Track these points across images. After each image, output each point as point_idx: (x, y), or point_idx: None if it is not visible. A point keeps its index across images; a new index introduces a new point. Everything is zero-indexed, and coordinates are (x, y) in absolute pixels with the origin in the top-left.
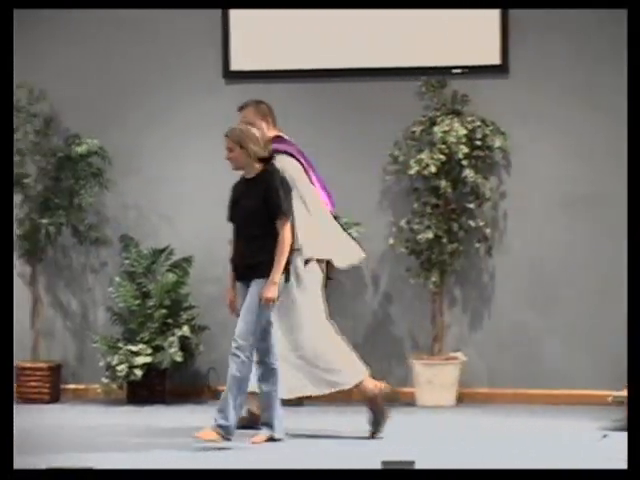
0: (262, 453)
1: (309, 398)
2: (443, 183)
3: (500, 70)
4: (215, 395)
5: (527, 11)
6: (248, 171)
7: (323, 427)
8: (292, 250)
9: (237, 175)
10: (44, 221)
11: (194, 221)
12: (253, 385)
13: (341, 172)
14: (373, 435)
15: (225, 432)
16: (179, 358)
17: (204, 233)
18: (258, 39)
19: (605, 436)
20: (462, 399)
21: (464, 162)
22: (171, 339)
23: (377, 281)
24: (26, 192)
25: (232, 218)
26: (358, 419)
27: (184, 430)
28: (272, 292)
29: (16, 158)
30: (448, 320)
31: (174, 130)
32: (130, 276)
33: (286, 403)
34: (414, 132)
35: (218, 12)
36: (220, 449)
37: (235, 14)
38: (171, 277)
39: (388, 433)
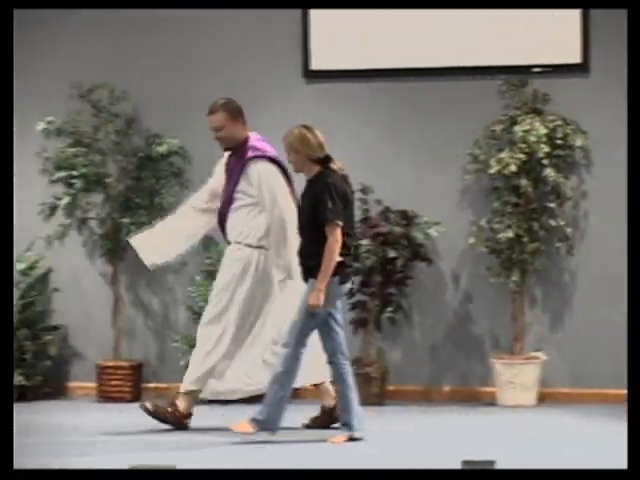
0: (344, 452)
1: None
2: (524, 182)
3: (581, 69)
4: (295, 395)
5: (608, 10)
6: (306, 173)
7: (405, 427)
8: (343, 254)
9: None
10: (125, 221)
11: None
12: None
13: (421, 171)
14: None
15: (259, 425)
16: None
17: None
18: (338, 38)
19: None
20: (543, 399)
21: (545, 161)
22: None
23: (457, 280)
24: (107, 192)
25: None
26: (440, 419)
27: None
28: (316, 299)
29: (97, 158)
30: (529, 319)
31: (254, 130)
32: (210, 275)
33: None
34: (494, 131)
35: (298, 11)
36: (307, 448)
37: (315, 14)
38: None
39: (469, 433)
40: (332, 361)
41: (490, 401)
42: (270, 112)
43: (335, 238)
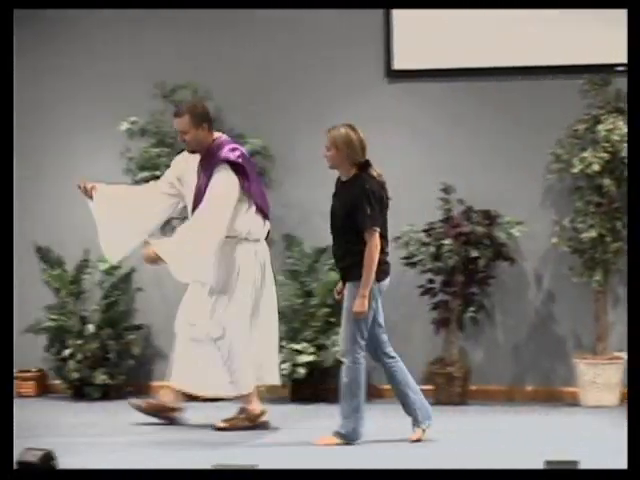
0: (426, 452)
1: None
2: (607, 181)
3: None
4: (378, 393)
5: None
6: (342, 173)
7: (487, 426)
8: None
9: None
10: None
11: None
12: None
13: (504, 171)
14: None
15: (342, 438)
16: None
17: None
18: (420, 38)
19: None
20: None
21: None
22: (334, 338)
23: (540, 280)
24: None
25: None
26: (522, 418)
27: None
28: (361, 306)
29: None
30: (612, 319)
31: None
32: (293, 275)
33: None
34: (577, 130)
35: (380, 11)
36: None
37: (398, 13)
38: (333, 276)
39: (551, 433)
40: (378, 361)
41: (572, 401)
42: (352, 112)
43: (375, 244)
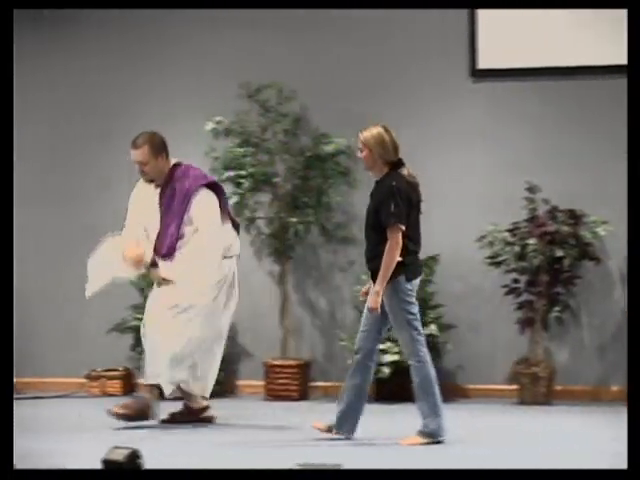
0: (506, 452)
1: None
2: None
3: None
4: (463, 393)
5: None
6: (375, 173)
7: (573, 426)
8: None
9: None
10: (293, 220)
11: (440, 219)
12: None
13: (589, 170)
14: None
15: (425, 437)
16: None
17: (450, 231)
18: (505, 37)
19: None
20: None
21: None
22: None
23: (625, 279)
24: (275, 191)
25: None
26: (607, 418)
27: None
28: (374, 302)
29: (265, 157)
30: None
31: (422, 129)
32: None
33: None
34: None
35: (465, 11)
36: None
37: (482, 13)
38: None
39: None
40: (357, 354)
41: None
42: (437, 111)
43: (395, 240)
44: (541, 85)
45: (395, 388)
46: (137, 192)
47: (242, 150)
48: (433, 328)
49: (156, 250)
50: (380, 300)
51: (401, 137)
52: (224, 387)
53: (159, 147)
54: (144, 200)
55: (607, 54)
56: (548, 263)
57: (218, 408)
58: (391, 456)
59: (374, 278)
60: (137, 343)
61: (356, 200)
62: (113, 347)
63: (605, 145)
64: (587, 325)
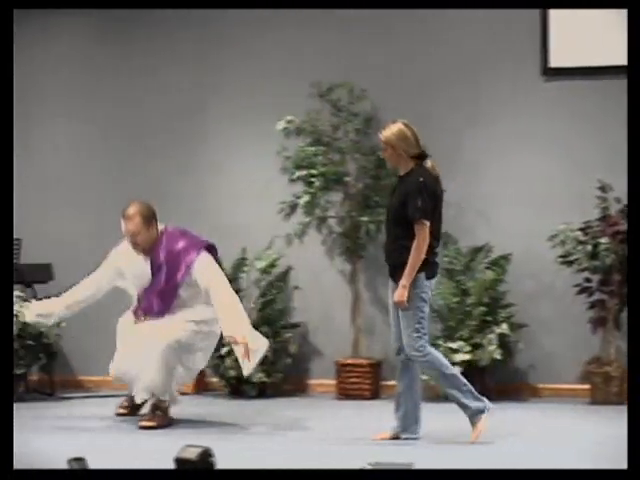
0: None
1: None
2: None
3: None
4: (535, 393)
5: None
6: (402, 169)
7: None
8: (430, 250)
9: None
10: (364, 219)
11: (512, 218)
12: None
13: None
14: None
15: (476, 417)
16: (498, 356)
17: (522, 230)
18: (577, 36)
19: None
20: None
21: None
22: (490, 337)
23: None
24: (347, 190)
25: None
26: None
27: (503, 427)
28: (400, 296)
29: (337, 157)
30: None
31: (493, 127)
32: (449, 273)
33: None
34: None
35: (536, 10)
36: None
37: (554, 12)
38: (490, 274)
39: None
40: (398, 355)
41: None
42: (509, 110)
43: (423, 236)
44: (612, 83)
45: None
46: (120, 256)
47: (313, 149)
48: (504, 327)
49: (144, 309)
50: (407, 294)
51: (473, 136)
52: (296, 386)
53: (150, 216)
54: (126, 265)
55: None
56: (620, 262)
57: (289, 407)
58: (462, 455)
59: (392, 273)
60: None
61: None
62: None
63: None
64: None
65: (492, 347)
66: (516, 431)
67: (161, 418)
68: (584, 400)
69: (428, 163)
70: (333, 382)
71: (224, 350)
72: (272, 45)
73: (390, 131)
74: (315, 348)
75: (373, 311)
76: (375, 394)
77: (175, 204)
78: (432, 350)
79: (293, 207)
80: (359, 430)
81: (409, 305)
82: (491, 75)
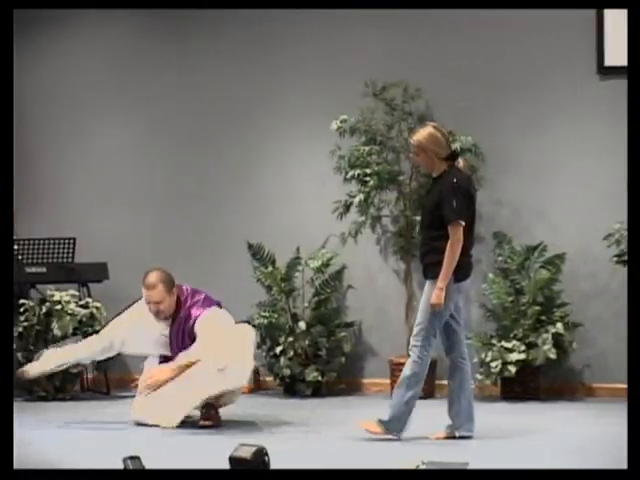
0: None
1: None
2: None
3: None
4: (590, 393)
5: None
6: (435, 171)
7: None
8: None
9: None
10: (418, 218)
11: (568, 217)
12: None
13: None
14: None
15: (383, 426)
16: (553, 355)
17: (577, 229)
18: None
19: None
20: None
21: None
22: (545, 336)
23: None
24: (401, 189)
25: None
26: None
27: (554, 426)
28: (437, 298)
29: (390, 156)
30: None
31: (549, 126)
32: (503, 273)
33: None
34: None
35: (592, 10)
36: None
37: (609, 10)
38: (544, 274)
39: None
40: (448, 356)
41: None
42: (565, 109)
43: (457, 237)
44: None
45: (520, 387)
46: (133, 325)
47: (367, 148)
48: (559, 327)
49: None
50: (443, 296)
51: (528, 135)
52: (350, 385)
53: (171, 282)
54: (135, 332)
55: None
56: None
57: (343, 406)
58: (517, 454)
59: (426, 273)
60: (263, 341)
61: (482, 198)
62: None
63: None
64: None
65: (547, 346)
66: (570, 430)
67: (216, 417)
68: None
69: (460, 163)
70: (387, 381)
71: (278, 349)
72: (326, 45)
73: (421, 135)
74: (369, 347)
75: None
76: (430, 393)
77: (232, 204)
78: (427, 361)
79: (347, 206)
80: (414, 429)
81: (427, 307)
82: (547, 74)
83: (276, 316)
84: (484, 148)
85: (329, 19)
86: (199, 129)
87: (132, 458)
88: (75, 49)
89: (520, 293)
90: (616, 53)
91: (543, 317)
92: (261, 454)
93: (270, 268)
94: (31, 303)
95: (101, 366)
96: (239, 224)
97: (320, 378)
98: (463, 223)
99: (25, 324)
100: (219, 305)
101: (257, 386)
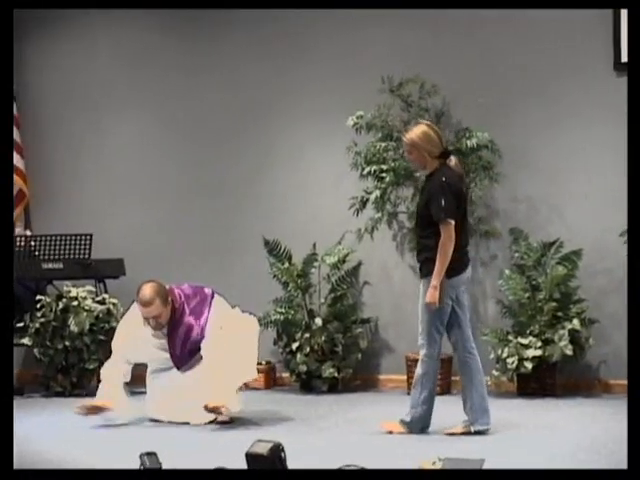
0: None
1: None
2: None
3: None
4: (606, 389)
5: None
6: (428, 169)
7: None
8: (458, 249)
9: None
10: None
11: (584, 214)
12: None
13: None
14: None
15: (407, 426)
16: (569, 351)
17: (594, 226)
18: None
19: None
20: None
21: None
22: (561, 332)
23: None
24: (417, 185)
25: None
26: None
27: (570, 422)
28: (431, 296)
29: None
30: None
31: (567, 123)
32: (520, 269)
33: None
34: None
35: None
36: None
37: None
38: (561, 270)
39: None
40: (456, 351)
41: None
42: (581, 105)
43: (448, 235)
44: None
45: (537, 383)
46: (132, 341)
47: (384, 144)
48: (575, 323)
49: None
50: (437, 294)
51: (545, 131)
52: (366, 381)
53: (165, 294)
54: (137, 346)
55: None
56: None
57: (359, 402)
58: (532, 451)
59: (421, 271)
60: (279, 337)
61: (498, 194)
62: None
63: None
64: None
65: (563, 343)
66: (586, 427)
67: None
68: None
69: (452, 161)
70: (404, 377)
71: (295, 346)
72: (343, 41)
73: (414, 133)
74: (385, 343)
75: None
76: (446, 389)
77: (248, 201)
78: (436, 356)
79: (364, 202)
80: (430, 425)
81: (425, 305)
82: (564, 70)
83: (292, 312)
84: (500, 144)
85: (345, 18)
86: (216, 127)
87: (149, 454)
88: (89, 49)
89: (536, 289)
90: None
91: (559, 313)
92: (277, 450)
93: (286, 264)
94: (48, 299)
95: None
96: (255, 220)
97: (336, 374)
98: (452, 221)
99: (42, 320)
100: (212, 295)
101: (273, 382)
